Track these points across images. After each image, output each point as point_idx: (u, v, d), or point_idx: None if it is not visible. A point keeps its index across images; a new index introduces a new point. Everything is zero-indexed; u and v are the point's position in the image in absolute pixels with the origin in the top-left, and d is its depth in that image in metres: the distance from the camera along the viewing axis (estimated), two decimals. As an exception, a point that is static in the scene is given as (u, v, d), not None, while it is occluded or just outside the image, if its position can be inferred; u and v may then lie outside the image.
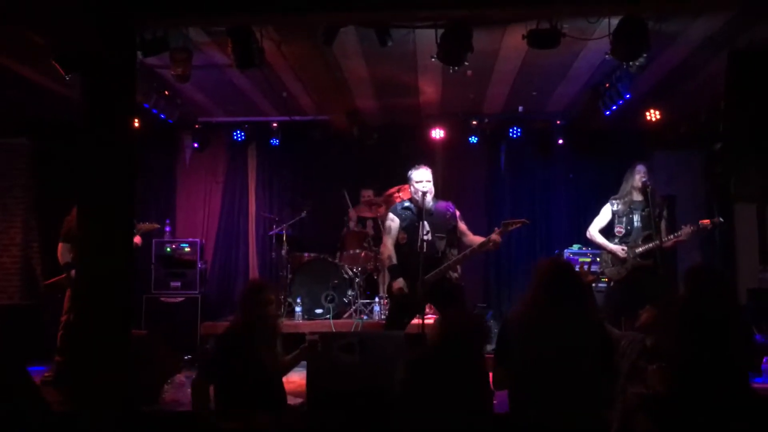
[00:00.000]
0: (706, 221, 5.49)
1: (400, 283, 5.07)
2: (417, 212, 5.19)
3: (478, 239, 5.21)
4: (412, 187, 5.29)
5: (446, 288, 5.13)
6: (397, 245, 5.23)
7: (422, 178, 5.22)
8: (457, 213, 5.35)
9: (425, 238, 5.01)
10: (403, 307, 5.16)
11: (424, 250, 4.98)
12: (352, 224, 7.97)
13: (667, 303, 3.13)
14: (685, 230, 5.45)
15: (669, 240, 5.48)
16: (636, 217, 5.63)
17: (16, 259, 7.85)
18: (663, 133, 7.68)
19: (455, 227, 5.27)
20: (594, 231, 5.80)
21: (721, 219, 5.60)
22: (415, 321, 5.26)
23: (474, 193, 8.55)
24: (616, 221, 5.71)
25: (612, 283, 5.80)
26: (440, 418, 2.94)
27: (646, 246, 5.51)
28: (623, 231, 5.66)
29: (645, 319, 3.61)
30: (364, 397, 3.45)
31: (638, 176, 5.62)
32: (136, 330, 5.49)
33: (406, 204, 5.35)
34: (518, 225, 5.09)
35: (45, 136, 7.82)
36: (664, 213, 5.64)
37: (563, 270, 3.28)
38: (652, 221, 5.51)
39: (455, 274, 5.21)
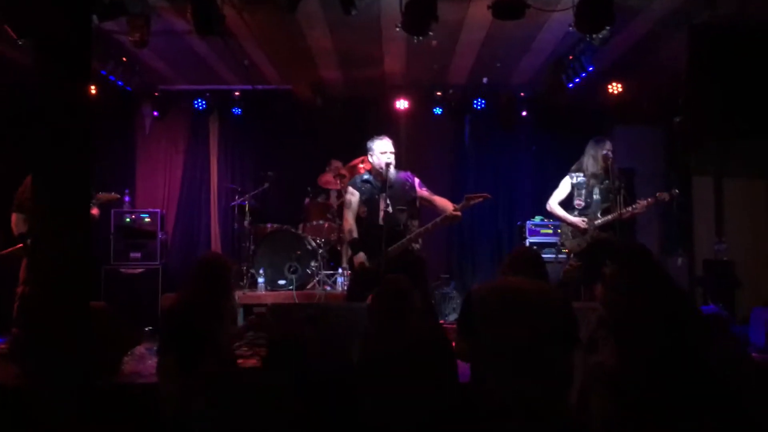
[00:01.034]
0: (664, 194, 5.55)
1: (361, 257, 5.04)
2: (378, 184, 5.16)
3: (443, 202, 5.15)
4: (373, 158, 5.21)
5: (408, 260, 5.13)
6: (358, 218, 5.19)
7: (386, 149, 5.15)
8: (417, 181, 5.27)
9: (387, 210, 4.99)
10: (364, 281, 5.15)
11: (386, 223, 4.95)
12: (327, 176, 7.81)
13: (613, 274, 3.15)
14: (642, 203, 5.50)
15: (627, 212, 5.51)
16: (596, 190, 5.65)
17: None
18: (625, 108, 7.75)
19: (415, 198, 5.23)
20: (554, 203, 5.81)
21: (677, 191, 5.66)
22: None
23: (438, 165, 8.55)
24: (576, 194, 5.72)
25: (572, 255, 5.86)
26: (402, 388, 2.95)
27: (605, 218, 5.56)
28: (583, 203, 5.69)
29: (600, 291, 3.65)
30: (324, 369, 3.45)
31: (605, 151, 5.59)
32: (95, 302, 5.42)
33: (366, 176, 5.28)
34: (480, 200, 5.05)
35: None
36: (623, 185, 5.68)
37: (531, 254, 3.45)
38: (611, 194, 5.54)
39: (417, 246, 5.21)
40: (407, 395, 2.96)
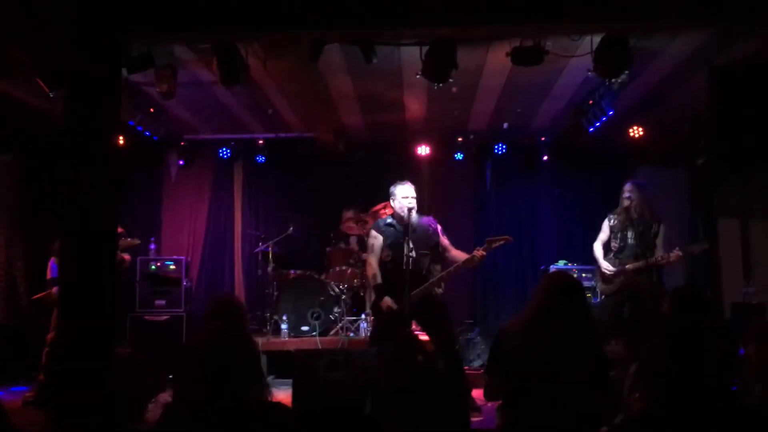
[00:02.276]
0: (696, 248, 5.61)
1: (389, 301, 5.04)
2: (401, 229, 5.18)
3: (460, 254, 5.21)
4: (395, 203, 5.26)
5: (431, 304, 5.12)
6: (381, 262, 5.20)
7: (408, 194, 5.21)
8: (439, 228, 5.33)
9: (410, 255, 4.99)
10: (388, 325, 5.14)
11: (410, 267, 4.97)
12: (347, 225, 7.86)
13: (649, 327, 3.16)
14: (675, 253, 5.47)
15: (658, 260, 5.51)
16: (630, 233, 5.67)
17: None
18: (646, 150, 7.75)
19: (438, 243, 5.26)
20: (596, 245, 5.89)
21: (707, 246, 5.70)
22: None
23: (460, 210, 8.57)
24: (612, 236, 5.77)
25: (603, 297, 5.83)
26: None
27: (636, 264, 5.55)
28: (617, 246, 5.72)
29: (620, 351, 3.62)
30: (350, 413, 3.42)
31: (622, 195, 5.69)
32: (121, 348, 5.44)
33: (389, 220, 5.33)
34: (502, 242, 5.10)
35: (30, 153, 7.76)
36: (660, 230, 5.66)
37: (570, 284, 3.28)
38: (646, 238, 5.57)
39: (440, 290, 5.20)
40: None
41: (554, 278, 3.43)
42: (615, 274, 5.65)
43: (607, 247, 5.86)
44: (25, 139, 7.63)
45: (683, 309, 3.21)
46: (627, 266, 5.59)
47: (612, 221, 5.81)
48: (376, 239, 5.25)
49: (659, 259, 5.52)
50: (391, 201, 5.33)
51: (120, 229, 6.23)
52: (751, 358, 2.91)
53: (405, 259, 4.98)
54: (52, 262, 5.89)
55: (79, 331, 3.85)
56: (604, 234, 5.87)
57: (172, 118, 7.45)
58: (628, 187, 5.73)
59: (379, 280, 5.14)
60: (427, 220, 5.32)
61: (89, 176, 4.01)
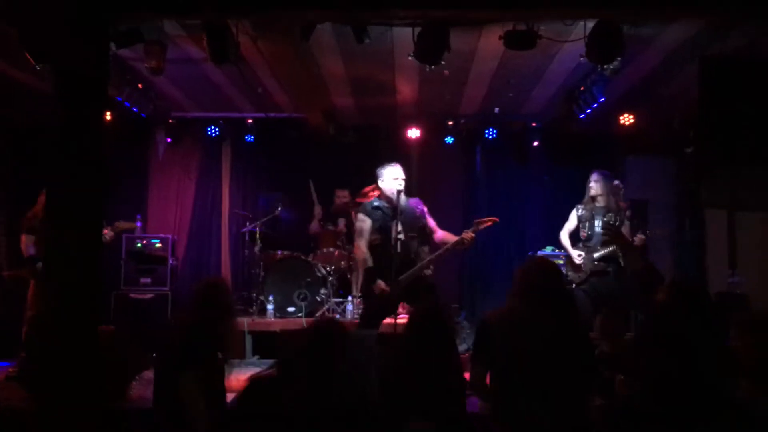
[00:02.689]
0: (659, 231, 6.00)
1: (382, 284, 5.01)
2: (390, 211, 5.15)
3: (447, 236, 5.19)
4: (384, 184, 5.21)
5: (420, 286, 5.12)
6: (371, 246, 5.17)
7: (397, 175, 5.17)
8: (425, 209, 5.31)
9: (399, 238, 4.98)
10: (379, 308, 5.14)
11: (399, 250, 4.97)
12: (314, 223, 7.92)
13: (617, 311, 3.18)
14: (639, 237, 5.61)
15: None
16: (597, 222, 5.78)
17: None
18: (636, 138, 7.76)
19: (425, 224, 5.25)
20: (563, 235, 6.04)
21: (646, 233, 5.82)
22: (388, 320, 5.25)
23: (449, 194, 8.56)
24: (581, 226, 5.88)
25: (573, 286, 5.89)
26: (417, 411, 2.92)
27: (604, 250, 5.64)
28: (586, 235, 5.84)
29: (599, 325, 3.65)
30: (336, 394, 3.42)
31: (588, 185, 5.86)
32: (104, 326, 5.41)
33: (376, 203, 5.27)
34: (489, 223, 5.08)
35: (12, 129, 7.67)
36: (625, 218, 5.75)
37: (550, 270, 3.30)
38: (612, 226, 5.62)
39: (428, 272, 5.19)
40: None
41: (530, 264, 3.43)
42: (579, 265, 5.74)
43: (575, 236, 5.97)
44: (8, 116, 7.54)
45: (681, 301, 3.17)
46: (594, 254, 5.67)
47: (579, 211, 5.95)
48: (365, 222, 5.21)
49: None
50: (378, 182, 5.28)
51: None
52: (737, 351, 2.92)
53: (393, 242, 4.97)
54: (24, 237, 5.81)
55: (62, 309, 3.81)
56: (570, 223, 6.01)
57: (161, 95, 7.38)
58: (594, 177, 5.86)
59: (369, 263, 5.12)
60: (414, 201, 5.28)
61: (75, 151, 3.96)
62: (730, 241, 7.22)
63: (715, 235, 7.43)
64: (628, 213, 5.83)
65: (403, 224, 5.05)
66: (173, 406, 3.44)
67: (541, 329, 3.06)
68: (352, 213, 7.49)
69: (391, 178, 5.16)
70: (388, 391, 3.10)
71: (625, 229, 5.70)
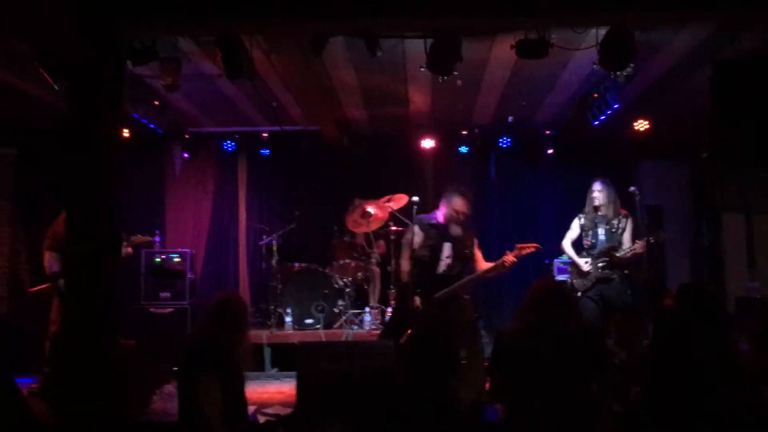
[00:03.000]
0: (660, 236, 5.79)
1: (418, 302, 5.11)
2: (444, 233, 5.26)
3: (486, 265, 5.27)
4: (448, 209, 5.28)
5: (457, 307, 5.18)
6: (417, 260, 5.23)
7: (465, 210, 5.28)
8: (476, 240, 5.42)
9: (448, 262, 5.18)
10: (406, 322, 5.15)
11: (444, 272, 5.18)
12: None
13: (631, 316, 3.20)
14: (640, 244, 5.59)
15: (627, 253, 5.63)
16: (600, 230, 5.81)
17: (4, 270, 7.78)
18: (650, 143, 7.74)
19: (472, 254, 5.35)
20: (566, 244, 6.02)
21: (665, 234, 5.95)
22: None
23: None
24: (583, 234, 5.87)
25: (580, 294, 5.86)
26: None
27: (605, 259, 5.64)
28: (589, 243, 5.85)
29: (615, 332, 3.65)
30: (354, 406, 3.44)
31: (590, 194, 5.85)
32: (124, 341, 5.46)
33: (433, 221, 5.35)
34: (531, 249, 5.13)
35: (32, 145, 7.78)
36: (627, 225, 5.74)
37: (555, 288, 3.48)
38: (614, 234, 5.73)
39: (466, 296, 5.30)
40: None
41: (539, 288, 3.52)
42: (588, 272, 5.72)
43: (577, 245, 5.96)
44: (29, 132, 7.65)
45: (687, 305, 3.20)
46: (599, 263, 5.66)
47: (582, 220, 5.95)
48: (417, 236, 5.28)
49: (626, 251, 5.64)
50: (444, 205, 5.34)
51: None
52: (753, 357, 2.91)
53: (442, 264, 5.18)
54: (47, 254, 5.89)
55: (82, 324, 3.87)
56: (573, 232, 6.00)
57: (177, 111, 7.45)
58: (597, 186, 5.86)
59: (409, 278, 5.18)
60: (468, 230, 5.37)
61: (92, 169, 4.02)
62: (748, 245, 7.17)
63: (732, 239, 7.37)
64: (640, 219, 5.81)
65: (453, 249, 5.22)
66: (196, 417, 3.47)
67: (552, 337, 3.09)
68: (369, 227, 7.50)
69: (453, 209, 5.25)
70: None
71: (627, 235, 5.72)
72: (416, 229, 5.34)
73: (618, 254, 5.62)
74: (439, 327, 3.44)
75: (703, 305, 3.10)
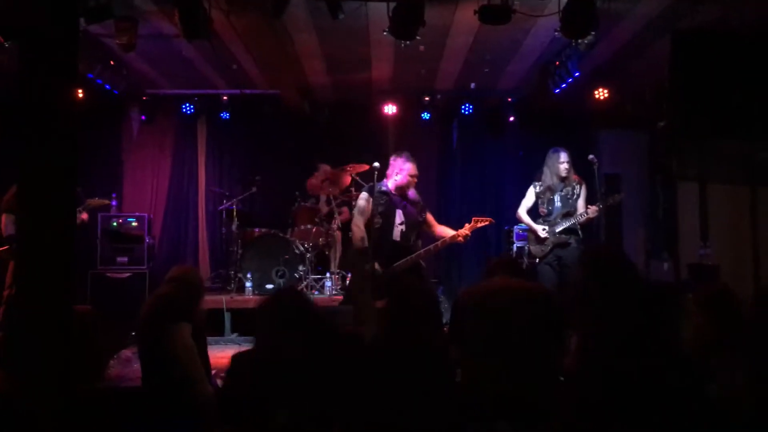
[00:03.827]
0: (611, 200, 5.87)
1: (377, 266, 5.10)
2: (396, 200, 5.26)
3: (444, 230, 5.33)
4: (400, 176, 5.28)
5: (417, 274, 5.22)
6: (370, 228, 5.25)
7: (416, 173, 5.30)
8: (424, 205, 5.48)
9: (401, 228, 5.17)
10: (367, 288, 5.19)
11: (398, 239, 5.15)
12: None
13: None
14: (593, 208, 5.71)
15: (582, 218, 5.73)
16: (556, 197, 5.87)
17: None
18: (609, 113, 7.83)
19: (425, 219, 5.38)
20: (522, 212, 6.05)
21: (621, 195, 6.02)
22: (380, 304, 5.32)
23: (425, 170, 8.51)
24: (539, 202, 5.96)
25: (537, 260, 5.97)
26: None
27: (563, 224, 5.74)
28: (545, 211, 5.92)
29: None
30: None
31: (561, 163, 5.82)
32: (81, 305, 5.38)
33: (384, 188, 5.35)
34: (486, 223, 5.26)
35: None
36: (581, 191, 5.84)
37: (509, 258, 3.59)
38: (570, 200, 5.81)
39: (423, 264, 5.33)
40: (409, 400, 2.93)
41: (500, 259, 3.68)
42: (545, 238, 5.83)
43: (532, 213, 6.03)
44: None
45: (594, 273, 3.16)
46: (556, 227, 5.77)
47: (537, 188, 5.98)
48: (368, 202, 5.28)
49: (580, 216, 5.73)
50: (394, 172, 5.33)
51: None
52: (700, 327, 2.96)
53: (396, 230, 5.16)
54: (4, 217, 5.77)
55: (37, 289, 3.79)
56: (528, 200, 6.04)
57: (134, 72, 7.29)
58: (564, 156, 5.85)
59: (366, 243, 5.20)
60: (416, 196, 5.39)
61: (46, 131, 3.90)
62: (701, 213, 7.34)
63: (687, 208, 7.54)
64: (598, 186, 5.89)
65: (405, 216, 5.22)
66: (160, 381, 3.46)
67: (510, 300, 3.14)
68: (329, 190, 7.50)
69: (409, 174, 5.24)
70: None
71: (581, 201, 5.81)
72: (366, 195, 5.35)
73: (573, 220, 5.71)
74: (417, 285, 3.44)
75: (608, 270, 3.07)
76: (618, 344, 2.71)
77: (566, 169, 5.82)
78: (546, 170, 5.93)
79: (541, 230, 5.85)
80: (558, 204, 5.86)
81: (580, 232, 5.77)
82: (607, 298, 2.83)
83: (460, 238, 5.18)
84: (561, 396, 2.96)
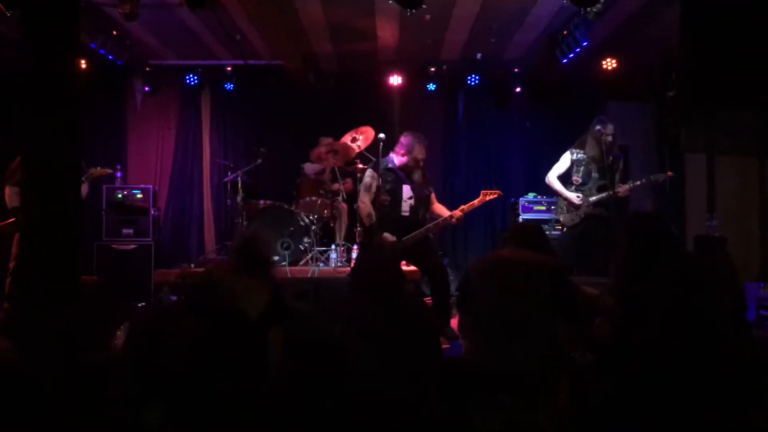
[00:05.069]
0: (659, 175, 5.75)
1: (389, 236, 5.25)
2: (403, 176, 5.39)
3: (440, 209, 5.52)
4: (409, 155, 5.36)
5: (422, 245, 5.37)
6: (379, 205, 5.31)
7: (424, 156, 5.44)
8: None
9: (410, 203, 5.33)
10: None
11: (408, 213, 5.32)
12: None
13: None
14: (637, 183, 5.65)
15: (623, 190, 5.65)
16: (594, 167, 5.75)
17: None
18: (617, 83, 7.75)
19: (430, 194, 5.54)
20: (552, 177, 5.92)
21: (671, 173, 5.87)
22: None
23: (431, 141, 8.41)
24: (574, 170, 5.84)
25: (565, 230, 5.92)
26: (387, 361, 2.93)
27: (600, 195, 5.67)
28: (580, 180, 5.83)
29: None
30: (316, 344, 3.44)
31: (608, 136, 5.68)
32: (87, 277, 5.40)
33: (390, 165, 5.43)
34: (495, 196, 5.46)
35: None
36: (620, 165, 5.78)
37: (532, 228, 3.56)
38: (607, 172, 5.68)
39: (432, 236, 5.50)
40: (390, 369, 2.92)
41: (518, 228, 3.73)
42: (580, 205, 5.74)
43: (561, 179, 5.91)
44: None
45: (638, 241, 3.16)
46: (591, 198, 5.69)
47: (575, 155, 5.85)
48: (374, 180, 5.39)
49: (624, 187, 5.66)
50: (402, 150, 5.43)
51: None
52: None
53: (404, 205, 5.33)
54: (8, 189, 5.77)
55: (42, 259, 3.79)
56: (562, 166, 5.90)
57: (137, 42, 7.22)
58: (611, 128, 5.71)
59: (373, 219, 5.28)
60: (424, 172, 5.52)
61: (48, 101, 3.87)
62: (709, 185, 7.28)
63: (694, 180, 7.49)
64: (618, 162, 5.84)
65: (413, 191, 5.37)
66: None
67: (512, 269, 3.11)
68: (333, 161, 7.45)
69: (415, 158, 5.37)
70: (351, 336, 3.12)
71: (617, 176, 5.74)
72: (372, 172, 5.46)
73: (606, 194, 5.64)
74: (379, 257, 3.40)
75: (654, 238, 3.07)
76: (662, 317, 2.69)
77: (612, 141, 5.72)
78: (590, 140, 5.77)
79: (576, 197, 5.76)
80: (595, 175, 5.75)
81: (611, 205, 5.68)
82: (655, 271, 2.81)
83: (453, 220, 5.33)
84: (594, 368, 2.96)
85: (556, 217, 6.08)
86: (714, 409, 2.57)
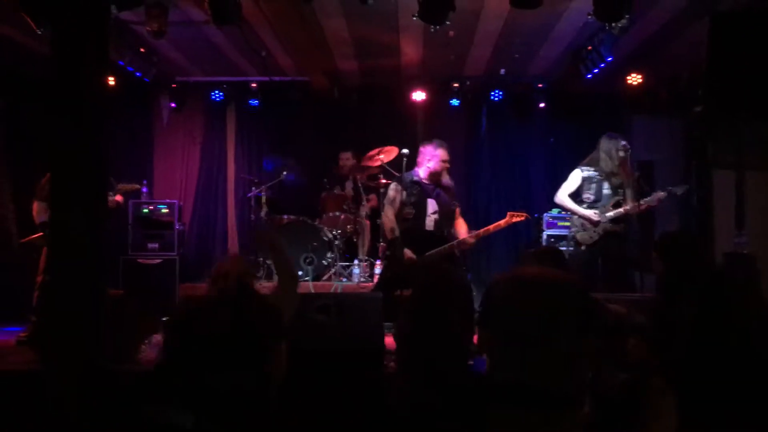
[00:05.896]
0: (676, 188, 5.64)
1: (409, 253, 5.17)
2: (428, 189, 5.30)
3: (460, 226, 5.44)
4: (432, 163, 5.28)
5: (451, 262, 5.25)
6: (403, 219, 5.25)
7: (448, 158, 5.31)
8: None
9: (434, 218, 5.23)
10: (399, 275, 5.19)
11: (432, 228, 5.24)
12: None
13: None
14: (655, 196, 5.52)
15: (641, 205, 5.56)
16: (605, 185, 5.68)
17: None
18: (643, 98, 7.69)
19: (456, 208, 5.44)
20: (563, 196, 5.81)
21: (688, 186, 5.79)
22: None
23: (454, 157, 8.42)
24: (585, 187, 5.73)
25: (582, 248, 5.81)
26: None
27: (617, 211, 5.59)
28: (592, 197, 5.71)
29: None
30: (339, 357, 3.45)
31: (621, 151, 5.61)
32: (113, 290, 5.45)
33: (415, 178, 5.35)
34: (521, 218, 5.44)
35: (17, 95, 7.61)
36: (638, 180, 5.71)
37: (552, 249, 3.59)
38: (620, 188, 5.64)
39: (458, 253, 5.36)
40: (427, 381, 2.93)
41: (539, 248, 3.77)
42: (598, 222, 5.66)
43: (572, 198, 5.80)
44: (12, 81, 7.48)
45: (673, 259, 3.15)
46: (607, 214, 5.61)
47: (586, 172, 5.74)
48: (399, 193, 5.31)
49: (642, 203, 5.55)
50: (425, 160, 5.34)
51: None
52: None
53: (428, 220, 5.23)
54: (36, 204, 5.85)
55: (70, 273, 3.83)
56: (573, 184, 5.78)
57: (163, 59, 7.31)
58: (624, 144, 5.66)
59: (397, 233, 5.21)
60: (450, 182, 5.45)
61: (78, 117, 3.93)
62: (737, 201, 7.17)
63: (722, 195, 7.38)
64: (637, 177, 5.76)
65: (438, 205, 5.26)
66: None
67: (535, 288, 3.08)
68: (356, 176, 7.49)
69: (441, 161, 5.28)
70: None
71: (629, 192, 5.64)
72: (396, 186, 5.38)
73: (623, 210, 5.56)
74: (445, 278, 3.41)
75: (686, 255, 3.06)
76: (698, 336, 2.67)
77: (622, 156, 5.64)
78: (603, 156, 5.68)
79: (594, 214, 5.66)
80: (607, 192, 5.66)
81: (632, 221, 5.63)
82: (690, 291, 2.79)
83: (465, 246, 5.27)
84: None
85: (572, 234, 5.97)
86: (751, 427, 2.54)
